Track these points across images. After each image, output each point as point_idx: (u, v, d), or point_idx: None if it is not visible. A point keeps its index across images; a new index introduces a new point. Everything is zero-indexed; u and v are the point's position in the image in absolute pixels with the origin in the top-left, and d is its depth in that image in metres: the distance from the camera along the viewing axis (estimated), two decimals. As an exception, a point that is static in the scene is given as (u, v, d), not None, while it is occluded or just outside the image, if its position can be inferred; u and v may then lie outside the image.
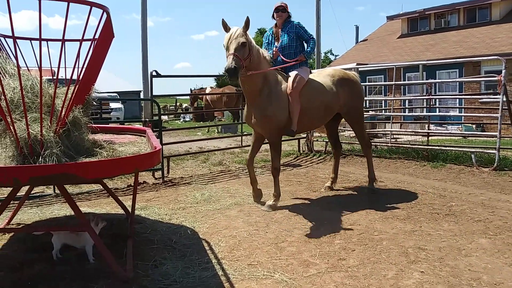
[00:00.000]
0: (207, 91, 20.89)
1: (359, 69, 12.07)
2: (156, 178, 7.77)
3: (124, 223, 5.10)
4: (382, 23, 28.60)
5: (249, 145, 10.58)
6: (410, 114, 13.57)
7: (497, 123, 8.04)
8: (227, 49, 5.20)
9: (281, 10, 5.98)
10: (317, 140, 10.86)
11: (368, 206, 5.84)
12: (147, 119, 8.08)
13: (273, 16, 6.09)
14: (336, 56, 53.92)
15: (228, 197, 6.45)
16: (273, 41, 6.14)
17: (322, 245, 4.40)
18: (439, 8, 22.67)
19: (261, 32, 46.19)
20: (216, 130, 17.50)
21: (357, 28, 31.50)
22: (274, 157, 5.90)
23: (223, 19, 5.28)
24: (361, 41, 27.84)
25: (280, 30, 6.06)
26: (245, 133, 10.53)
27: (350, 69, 9.01)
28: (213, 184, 7.37)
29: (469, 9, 21.47)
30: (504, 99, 7.86)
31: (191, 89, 23.65)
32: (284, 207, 5.83)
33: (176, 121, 26.86)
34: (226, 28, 5.30)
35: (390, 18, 26.81)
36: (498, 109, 8.04)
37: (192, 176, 8.15)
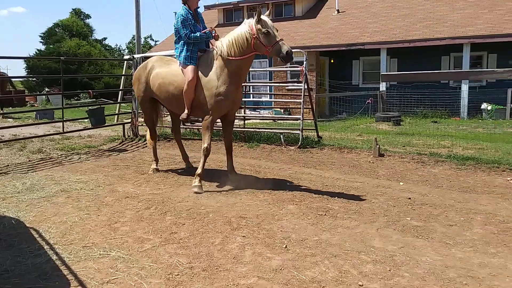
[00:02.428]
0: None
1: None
2: (-36, 170, 7.08)
3: None
4: (201, 11, 29.36)
5: (71, 131, 10.28)
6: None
7: (300, 108, 9.26)
8: (275, 35, 5.73)
9: None
10: (141, 125, 10.94)
11: (194, 184, 6.32)
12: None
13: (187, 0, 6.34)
14: (156, 41, 53.61)
15: (53, 184, 6.27)
16: (195, 23, 6.33)
17: (154, 222, 4.71)
18: (251, 1, 24.31)
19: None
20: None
21: (176, 14, 31.78)
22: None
23: (259, 9, 5.73)
24: (180, 28, 28.24)
25: (194, 15, 6.39)
26: (66, 119, 10.08)
27: (172, 55, 9.31)
28: (35, 173, 7.03)
29: (277, 4, 23.50)
30: (306, 87, 9.10)
31: None
32: (115, 191, 5.95)
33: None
34: (259, 15, 5.68)
35: (207, 7, 27.74)
36: (301, 95, 9.27)
37: (8, 165, 7.60)
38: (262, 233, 4.38)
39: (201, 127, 10.76)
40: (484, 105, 16.35)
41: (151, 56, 10.80)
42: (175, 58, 6.55)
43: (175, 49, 6.42)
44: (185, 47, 6.22)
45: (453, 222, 4.71)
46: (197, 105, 6.22)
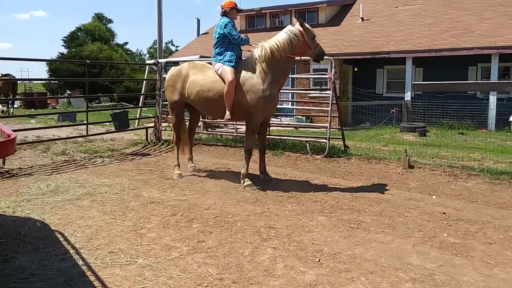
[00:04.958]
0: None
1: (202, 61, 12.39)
2: (-11, 170, 7.06)
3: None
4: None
5: (94, 134, 10.25)
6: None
7: (325, 116, 9.08)
8: (316, 39, 6.41)
9: None
10: (165, 130, 10.90)
11: (220, 191, 6.20)
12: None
13: (228, 12, 6.64)
14: (177, 47, 54.10)
15: (78, 187, 6.19)
16: None
17: (181, 230, 4.58)
18: (274, 8, 24.28)
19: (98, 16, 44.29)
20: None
21: (198, 20, 31.93)
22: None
23: (300, 20, 6.33)
24: (202, 34, 28.35)
25: None
26: (89, 122, 10.04)
27: (196, 60, 9.24)
28: (59, 175, 6.97)
29: (300, 11, 23.39)
30: (334, 94, 8.92)
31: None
32: (140, 196, 5.85)
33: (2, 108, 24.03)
34: (304, 24, 6.29)
35: (230, 13, 27.82)
36: (328, 103, 9.08)
37: (32, 166, 7.57)
38: (293, 245, 4.21)
39: (223, 133, 10.77)
40: (512, 118, 15.94)
41: (176, 61, 10.80)
42: (212, 62, 6.69)
43: (214, 53, 6.66)
44: (229, 51, 6.51)
45: (492, 240, 4.48)
46: (238, 108, 6.44)
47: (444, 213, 5.33)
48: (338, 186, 6.60)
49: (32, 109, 23.07)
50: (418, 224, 4.92)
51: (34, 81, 44.51)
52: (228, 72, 6.31)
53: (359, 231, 4.64)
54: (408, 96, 17.55)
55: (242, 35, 6.62)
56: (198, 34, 29.48)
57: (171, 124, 7.74)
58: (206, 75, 6.65)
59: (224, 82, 6.33)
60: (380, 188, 6.48)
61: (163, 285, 3.37)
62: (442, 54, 16.84)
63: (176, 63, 10.49)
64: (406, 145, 10.62)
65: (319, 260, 3.87)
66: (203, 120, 10.81)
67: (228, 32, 6.48)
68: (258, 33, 23.60)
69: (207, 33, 27.62)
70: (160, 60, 11.39)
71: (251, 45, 6.68)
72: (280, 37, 6.32)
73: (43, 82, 37.42)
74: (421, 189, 6.52)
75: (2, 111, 19.85)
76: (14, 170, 7.22)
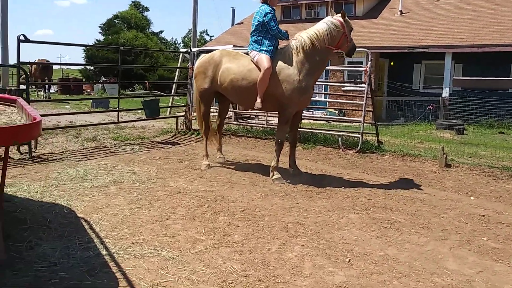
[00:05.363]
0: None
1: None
2: (22, 153, 7.11)
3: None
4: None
5: (125, 121, 10.28)
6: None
7: (359, 110, 8.79)
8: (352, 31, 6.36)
9: None
10: (195, 119, 10.80)
11: (248, 183, 6.07)
12: (12, 88, 7.31)
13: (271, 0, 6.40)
14: (211, 36, 54.16)
15: (106, 174, 6.16)
16: None
17: (207, 222, 4.47)
18: (310, -1, 23.91)
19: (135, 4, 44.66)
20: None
21: (233, 10, 31.87)
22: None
23: (343, 11, 6.23)
24: (237, 24, 28.19)
25: None
26: (121, 109, 10.04)
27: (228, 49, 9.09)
28: (88, 161, 6.97)
29: (337, 3, 22.89)
30: (369, 88, 8.62)
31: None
32: (167, 185, 5.77)
33: (40, 93, 24.55)
34: (346, 16, 6.20)
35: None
36: (362, 97, 8.79)
37: (63, 152, 7.62)
38: (322, 243, 4.03)
39: (253, 125, 10.63)
40: (556, 118, 15.17)
41: (209, 50, 10.67)
42: (248, 50, 6.48)
43: (251, 41, 6.43)
44: (266, 40, 6.29)
45: (536, 246, 4.20)
46: (271, 98, 6.24)
47: (483, 215, 5.05)
48: (371, 183, 6.36)
49: (68, 95, 23.48)
50: (455, 226, 4.67)
51: (70, 66, 45.35)
52: (264, 59, 6.12)
53: (392, 231, 4.43)
54: (446, 92, 16.96)
55: (282, 30, 6.36)
56: (232, 24, 29.30)
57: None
58: (241, 63, 6.46)
59: (259, 70, 6.15)
60: (415, 187, 6.22)
61: (186, 280, 3.26)
62: (483, 50, 16.15)
63: (209, 52, 10.38)
64: (443, 143, 10.24)
65: (349, 260, 3.69)
66: (234, 110, 10.68)
67: (267, 22, 6.22)
68: (293, 24, 23.25)
69: (242, 23, 27.46)
70: (193, 49, 11.30)
71: (289, 39, 6.43)
72: (319, 27, 6.12)
73: (79, 68, 38.09)
74: (458, 189, 6.22)
75: (37, 95, 20.30)
76: (46, 154, 7.27)
